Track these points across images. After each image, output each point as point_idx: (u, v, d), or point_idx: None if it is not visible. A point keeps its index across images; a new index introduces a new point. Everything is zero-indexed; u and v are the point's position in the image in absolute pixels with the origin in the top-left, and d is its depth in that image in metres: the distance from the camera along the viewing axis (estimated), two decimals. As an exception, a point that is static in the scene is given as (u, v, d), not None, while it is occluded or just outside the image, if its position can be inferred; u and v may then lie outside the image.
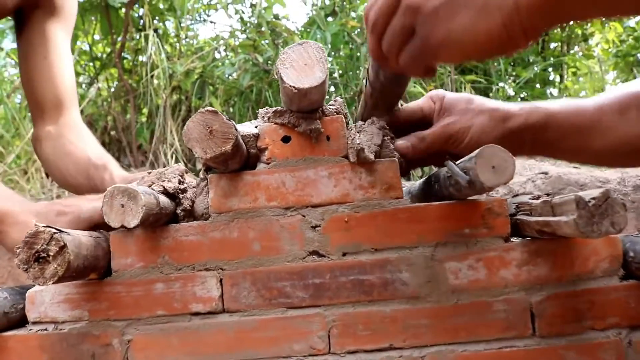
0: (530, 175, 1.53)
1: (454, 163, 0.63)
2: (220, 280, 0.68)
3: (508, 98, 2.83)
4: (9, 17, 1.13)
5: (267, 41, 2.66)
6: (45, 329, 0.69)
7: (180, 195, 0.72)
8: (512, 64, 3.06)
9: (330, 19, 2.86)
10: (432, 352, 0.65)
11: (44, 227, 0.58)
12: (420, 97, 0.82)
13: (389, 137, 0.72)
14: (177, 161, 2.46)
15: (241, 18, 3.04)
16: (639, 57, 3.27)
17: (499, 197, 0.69)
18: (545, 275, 0.66)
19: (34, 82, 1.12)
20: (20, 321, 0.71)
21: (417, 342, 0.66)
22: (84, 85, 3.01)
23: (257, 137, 0.70)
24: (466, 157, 0.62)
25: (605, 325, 0.65)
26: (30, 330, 0.69)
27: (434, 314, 0.66)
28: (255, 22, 2.85)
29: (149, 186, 0.70)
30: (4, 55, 2.71)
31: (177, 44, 3.03)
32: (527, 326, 0.65)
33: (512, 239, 0.68)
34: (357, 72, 2.64)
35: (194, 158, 2.45)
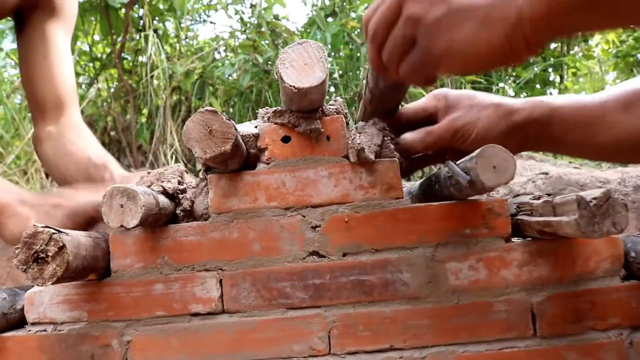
0: (530, 176, 1.53)
1: (455, 163, 0.63)
2: (220, 281, 0.68)
3: (508, 98, 2.82)
4: (9, 17, 1.13)
5: (267, 42, 2.66)
6: (44, 330, 0.68)
7: (180, 196, 0.71)
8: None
9: (330, 19, 2.86)
10: (432, 352, 0.65)
11: (42, 227, 0.57)
12: (421, 97, 0.82)
13: (389, 138, 0.72)
14: (176, 161, 2.46)
15: (241, 18, 3.04)
16: (639, 57, 3.27)
17: (500, 198, 0.69)
18: (546, 276, 0.66)
19: (34, 82, 1.12)
20: (19, 322, 0.71)
21: (417, 343, 0.65)
22: (83, 86, 3.01)
23: (257, 137, 0.70)
24: (467, 157, 0.62)
25: (606, 326, 0.65)
26: (29, 331, 0.69)
27: (434, 314, 0.66)
28: (255, 22, 2.85)
29: (149, 186, 0.70)
30: (4, 55, 2.71)
31: (177, 45, 3.02)
32: (528, 327, 0.65)
33: (512, 239, 0.68)
34: (357, 72, 2.64)
35: (194, 158, 2.44)
